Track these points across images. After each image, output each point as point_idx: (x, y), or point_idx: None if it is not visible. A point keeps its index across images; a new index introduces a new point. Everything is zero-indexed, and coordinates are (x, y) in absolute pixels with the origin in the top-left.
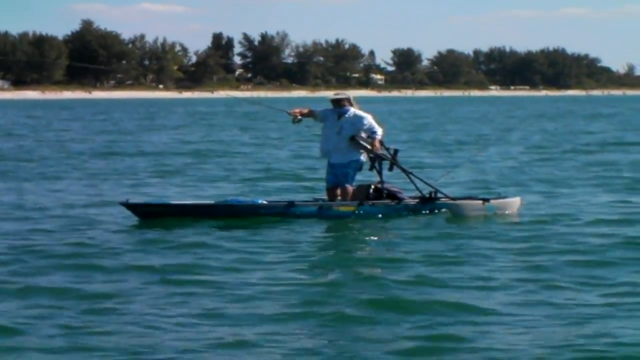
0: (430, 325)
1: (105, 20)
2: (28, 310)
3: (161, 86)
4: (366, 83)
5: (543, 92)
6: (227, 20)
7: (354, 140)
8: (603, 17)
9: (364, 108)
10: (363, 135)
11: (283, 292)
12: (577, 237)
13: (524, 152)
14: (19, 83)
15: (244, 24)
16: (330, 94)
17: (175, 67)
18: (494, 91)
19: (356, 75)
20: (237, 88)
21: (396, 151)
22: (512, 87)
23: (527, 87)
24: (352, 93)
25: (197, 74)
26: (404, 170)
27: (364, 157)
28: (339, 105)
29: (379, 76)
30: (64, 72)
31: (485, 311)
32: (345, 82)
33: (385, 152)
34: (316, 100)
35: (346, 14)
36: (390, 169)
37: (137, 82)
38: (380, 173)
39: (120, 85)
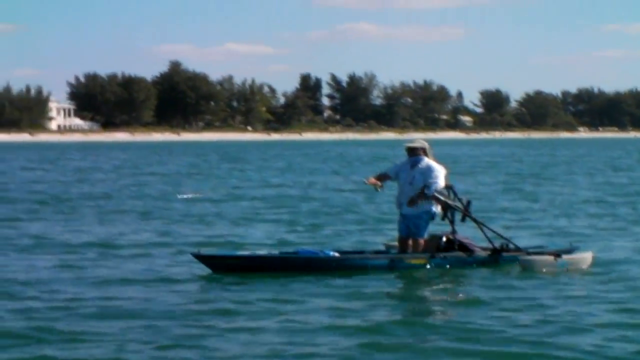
0: None
1: (190, 60)
2: None
3: (249, 128)
4: (454, 125)
5: (632, 134)
6: (314, 61)
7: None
8: None
9: (435, 158)
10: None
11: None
12: None
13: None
14: (108, 124)
15: (331, 65)
16: (418, 136)
17: (264, 109)
18: (582, 133)
19: (444, 116)
20: (325, 130)
21: (469, 202)
22: (600, 129)
23: (616, 128)
24: (441, 135)
25: (285, 115)
26: (475, 221)
27: (436, 208)
28: (413, 154)
29: (467, 118)
30: (153, 114)
31: None
32: (434, 124)
33: (458, 203)
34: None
35: (434, 55)
36: (463, 219)
37: (225, 124)
38: (452, 223)
39: (208, 126)
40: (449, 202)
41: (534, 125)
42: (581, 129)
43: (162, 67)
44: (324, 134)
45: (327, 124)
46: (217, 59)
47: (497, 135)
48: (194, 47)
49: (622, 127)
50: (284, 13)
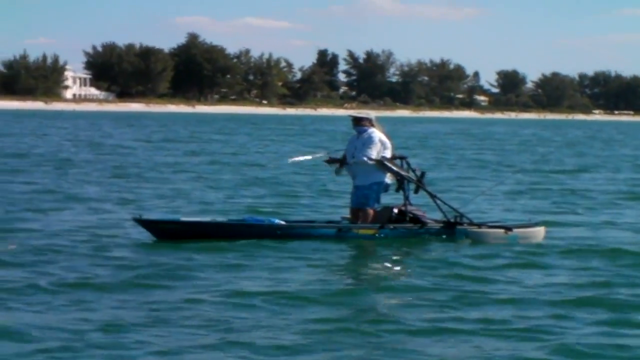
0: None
1: (208, 33)
2: None
3: (265, 102)
4: (469, 104)
5: None
6: (332, 37)
7: (379, 162)
8: None
9: (384, 130)
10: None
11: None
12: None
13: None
14: (123, 95)
15: (349, 42)
16: (432, 114)
17: (280, 83)
18: (598, 115)
19: (460, 95)
20: (340, 106)
21: (423, 173)
22: (616, 112)
23: (631, 112)
24: (456, 114)
25: (301, 90)
26: (429, 193)
27: (389, 179)
28: (357, 124)
29: (482, 97)
30: (169, 85)
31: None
32: (449, 103)
33: (411, 175)
34: (419, 120)
35: (452, 34)
36: (416, 191)
37: (240, 97)
38: (405, 194)
39: (224, 99)
40: (402, 172)
41: (550, 107)
42: (596, 111)
43: (179, 39)
44: (339, 110)
45: (343, 100)
46: (235, 33)
47: (513, 115)
48: (212, 20)
49: (638, 110)
50: None
